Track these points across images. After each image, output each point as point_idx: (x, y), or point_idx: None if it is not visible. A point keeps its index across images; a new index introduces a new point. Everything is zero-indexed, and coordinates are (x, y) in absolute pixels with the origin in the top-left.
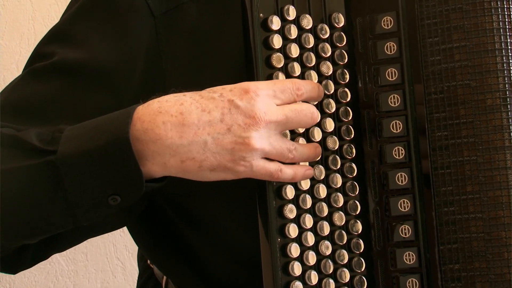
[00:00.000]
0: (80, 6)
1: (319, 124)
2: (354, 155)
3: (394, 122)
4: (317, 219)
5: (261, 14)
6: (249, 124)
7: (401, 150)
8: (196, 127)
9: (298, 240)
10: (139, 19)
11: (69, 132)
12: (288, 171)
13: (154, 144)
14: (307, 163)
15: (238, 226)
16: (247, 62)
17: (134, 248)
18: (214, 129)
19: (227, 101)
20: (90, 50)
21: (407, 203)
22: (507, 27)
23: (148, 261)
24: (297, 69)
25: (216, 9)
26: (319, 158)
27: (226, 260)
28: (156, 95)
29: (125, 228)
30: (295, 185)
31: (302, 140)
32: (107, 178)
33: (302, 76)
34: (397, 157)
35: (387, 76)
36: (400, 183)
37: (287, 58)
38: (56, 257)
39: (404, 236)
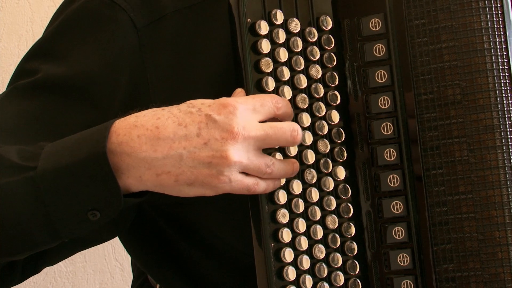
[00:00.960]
0: (62, 21)
1: (310, 128)
2: (345, 158)
3: (384, 124)
4: (310, 223)
5: (248, 19)
6: (226, 138)
7: (393, 152)
8: (171, 141)
9: (292, 244)
10: (122, 32)
11: (49, 148)
12: (262, 184)
13: (129, 157)
14: None
15: (230, 232)
16: (236, 68)
17: None
18: (190, 143)
19: (204, 115)
20: (73, 65)
21: (399, 204)
22: (495, 26)
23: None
24: (286, 73)
25: (200, 17)
26: (295, 174)
27: (219, 267)
28: (136, 110)
29: None
30: (287, 190)
31: (279, 155)
32: (85, 193)
33: (291, 80)
34: (388, 159)
35: (376, 78)
36: (392, 185)
37: (276, 63)
38: None
39: (397, 237)
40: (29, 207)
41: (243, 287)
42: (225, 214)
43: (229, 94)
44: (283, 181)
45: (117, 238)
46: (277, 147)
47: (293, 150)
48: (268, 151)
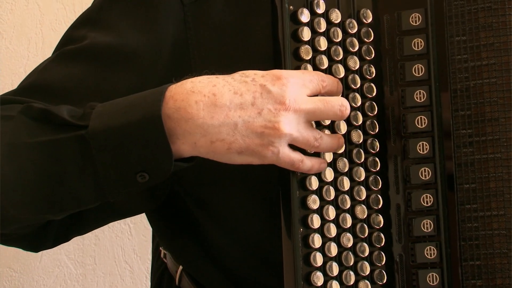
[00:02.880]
0: None
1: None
2: (378, 150)
3: (419, 117)
4: (339, 211)
5: (291, 7)
6: (279, 109)
7: (426, 145)
8: (227, 109)
9: (321, 231)
10: (168, 6)
11: (100, 108)
12: (307, 163)
13: (186, 123)
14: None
15: (258, 217)
16: (275, 54)
17: (142, 251)
18: (245, 112)
19: (259, 85)
20: (119, 35)
21: (429, 197)
22: None
23: (162, 255)
24: (325, 61)
25: (244, 1)
26: (342, 149)
27: (243, 251)
28: (188, 76)
29: (133, 231)
30: (319, 176)
31: (327, 131)
32: (137, 155)
33: (329, 69)
34: (421, 152)
35: (413, 72)
36: (423, 178)
37: (315, 51)
38: (64, 261)
39: (425, 230)
40: (79, 164)
41: (265, 272)
42: (255, 198)
43: None
44: (326, 166)
45: (126, 242)
46: (326, 121)
47: (343, 128)
48: (317, 128)
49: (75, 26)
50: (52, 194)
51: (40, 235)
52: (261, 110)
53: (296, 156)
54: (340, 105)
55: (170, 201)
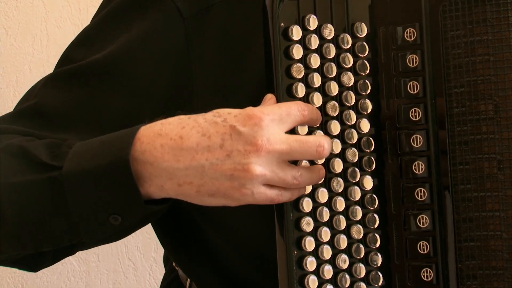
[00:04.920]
0: (109, 11)
1: (339, 136)
2: (374, 168)
3: (414, 136)
4: (334, 231)
5: (281, 23)
6: (249, 150)
7: (421, 165)
8: (194, 152)
9: (315, 253)
10: (168, 21)
11: (76, 148)
12: (286, 194)
13: (151, 166)
14: None
15: (260, 230)
16: (267, 71)
17: (146, 249)
18: (213, 154)
19: (229, 126)
20: (117, 54)
21: (425, 218)
22: None
23: (174, 263)
24: (316, 80)
25: (248, 10)
26: (321, 181)
27: (249, 264)
28: (162, 116)
29: None
30: (313, 198)
31: (305, 163)
32: (107, 198)
33: (322, 87)
34: (417, 172)
35: (409, 89)
36: (419, 199)
37: (308, 69)
38: (68, 258)
39: (422, 252)
40: (52, 206)
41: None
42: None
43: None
44: (309, 188)
45: (130, 239)
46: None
47: (336, 148)
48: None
49: (73, 45)
50: (29, 234)
51: (37, 256)
52: (230, 152)
53: (273, 192)
54: (317, 145)
55: (175, 213)
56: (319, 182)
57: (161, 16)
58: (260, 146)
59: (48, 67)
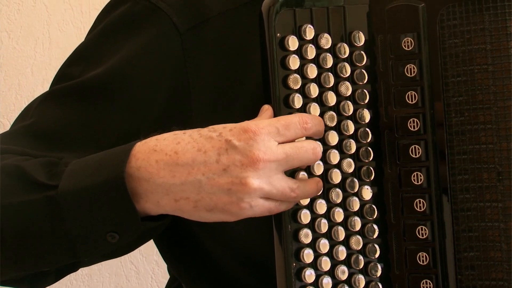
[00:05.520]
0: (104, 26)
1: (337, 146)
2: (373, 178)
3: (413, 146)
4: (333, 243)
5: (278, 34)
6: (246, 164)
7: (420, 175)
8: (190, 167)
9: (314, 265)
10: (164, 37)
11: (72, 166)
12: (284, 204)
13: (147, 183)
14: None
15: (260, 239)
16: (264, 82)
17: (148, 252)
18: (209, 169)
19: (224, 141)
20: (111, 69)
21: (424, 229)
22: None
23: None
24: (313, 90)
25: (244, 23)
26: (320, 193)
27: (250, 274)
28: (158, 132)
29: None
30: (311, 209)
31: (303, 175)
32: (104, 216)
33: (320, 97)
34: (415, 183)
35: (407, 99)
36: (418, 209)
37: (305, 79)
38: None
39: (421, 263)
40: (50, 225)
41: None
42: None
43: None
44: (307, 200)
45: None
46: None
47: (318, 169)
48: (292, 170)
49: (68, 63)
50: (28, 254)
51: (39, 275)
52: (227, 166)
53: (271, 203)
54: (312, 148)
55: (174, 226)
56: (317, 194)
57: (157, 31)
58: (256, 159)
59: (50, 70)
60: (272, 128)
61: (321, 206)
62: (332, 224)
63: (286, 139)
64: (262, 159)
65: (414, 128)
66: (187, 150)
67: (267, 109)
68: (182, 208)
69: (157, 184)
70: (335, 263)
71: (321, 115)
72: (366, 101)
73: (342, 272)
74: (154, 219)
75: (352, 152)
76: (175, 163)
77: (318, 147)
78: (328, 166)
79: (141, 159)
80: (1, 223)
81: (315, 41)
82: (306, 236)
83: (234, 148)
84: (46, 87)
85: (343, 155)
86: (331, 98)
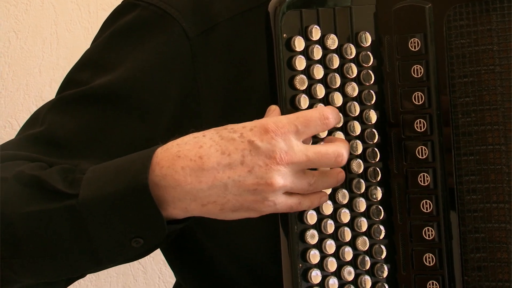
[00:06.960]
0: (113, 32)
1: None
2: (379, 179)
3: (420, 147)
4: (339, 243)
5: (284, 34)
6: (270, 164)
7: (427, 176)
8: (215, 171)
9: (320, 266)
10: (173, 43)
11: (90, 174)
12: (306, 203)
13: (174, 190)
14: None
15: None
16: (270, 82)
17: (155, 252)
18: (235, 172)
19: (247, 142)
20: (122, 76)
21: (431, 230)
22: None
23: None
24: (320, 91)
25: (252, 27)
26: (342, 182)
27: (252, 281)
28: (176, 136)
29: None
30: (318, 210)
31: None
32: (128, 222)
33: (326, 98)
34: (422, 184)
35: (414, 100)
36: (425, 210)
37: (311, 80)
38: None
39: (427, 264)
40: (72, 233)
41: None
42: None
43: None
44: (327, 199)
45: None
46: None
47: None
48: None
49: (76, 68)
50: (49, 262)
51: (52, 282)
52: (252, 168)
53: (293, 200)
54: (336, 155)
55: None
56: (339, 184)
57: (167, 37)
58: (279, 159)
59: (57, 70)
60: (292, 126)
61: (328, 207)
62: (338, 225)
63: (307, 136)
64: (285, 159)
65: (420, 129)
66: (211, 153)
67: (274, 110)
68: (209, 211)
69: (185, 191)
70: (341, 264)
71: None
72: (373, 101)
73: (349, 273)
74: (178, 221)
75: (358, 153)
76: (200, 168)
77: (344, 154)
78: None
79: (165, 166)
80: (17, 232)
81: (321, 42)
82: (312, 237)
83: (257, 149)
84: (54, 87)
85: (350, 155)
86: (338, 99)
